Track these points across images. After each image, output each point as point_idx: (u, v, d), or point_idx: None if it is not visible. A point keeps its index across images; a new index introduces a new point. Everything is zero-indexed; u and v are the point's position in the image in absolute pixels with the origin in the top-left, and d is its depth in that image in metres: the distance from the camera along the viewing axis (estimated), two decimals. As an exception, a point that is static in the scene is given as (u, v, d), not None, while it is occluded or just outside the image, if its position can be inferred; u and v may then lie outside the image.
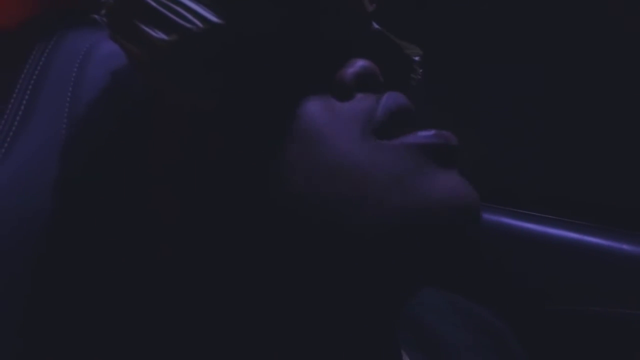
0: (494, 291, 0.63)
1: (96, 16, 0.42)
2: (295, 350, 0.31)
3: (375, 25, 0.35)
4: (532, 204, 0.68)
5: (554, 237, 0.64)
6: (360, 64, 0.32)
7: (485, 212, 0.66)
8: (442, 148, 0.30)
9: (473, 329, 0.46)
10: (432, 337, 0.44)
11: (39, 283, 0.34)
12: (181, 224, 0.31)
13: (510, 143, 0.75)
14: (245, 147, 0.30)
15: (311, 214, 0.29)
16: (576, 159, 0.72)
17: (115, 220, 0.33)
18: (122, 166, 0.34)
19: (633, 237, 0.62)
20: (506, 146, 0.76)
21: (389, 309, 0.32)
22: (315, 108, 0.30)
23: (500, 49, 0.73)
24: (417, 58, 0.37)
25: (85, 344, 0.33)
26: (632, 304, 0.58)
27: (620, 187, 0.69)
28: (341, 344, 0.31)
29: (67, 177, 0.35)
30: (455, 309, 0.48)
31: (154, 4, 0.30)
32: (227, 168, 0.30)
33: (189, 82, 0.30)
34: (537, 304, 0.62)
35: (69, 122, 0.37)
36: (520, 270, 0.64)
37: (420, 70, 0.37)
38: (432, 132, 0.30)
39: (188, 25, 0.30)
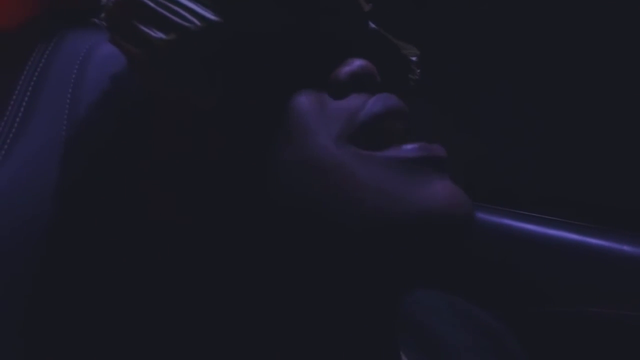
0: (493, 292, 0.63)
1: (95, 20, 0.42)
2: (295, 350, 0.31)
3: (372, 25, 0.35)
4: (532, 205, 0.68)
5: (554, 238, 0.64)
6: (357, 63, 0.32)
7: (485, 213, 0.66)
8: (427, 160, 0.29)
9: (473, 330, 0.46)
10: (432, 338, 0.44)
11: (39, 284, 0.34)
12: (181, 224, 0.31)
13: (510, 143, 0.75)
14: (245, 145, 0.30)
15: (305, 212, 0.29)
16: (576, 160, 0.72)
17: (116, 220, 0.34)
18: (122, 166, 0.34)
19: (633, 238, 0.62)
20: (506, 146, 0.76)
21: (385, 309, 0.32)
22: (306, 103, 0.30)
23: (500, 49, 0.73)
24: (414, 58, 0.37)
25: (85, 344, 0.33)
26: (632, 306, 0.57)
27: (620, 187, 0.69)
28: (341, 344, 0.31)
29: (67, 178, 0.35)
30: (455, 310, 0.48)
31: (152, 4, 0.30)
32: (227, 167, 0.30)
33: (188, 81, 0.30)
34: (537, 305, 0.62)
35: (69, 124, 0.37)
36: (520, 271, 0.64)
37: (418, 71, 0.37)
38: (416, 145, 0.29)
39: (186, 24, 0.30)
